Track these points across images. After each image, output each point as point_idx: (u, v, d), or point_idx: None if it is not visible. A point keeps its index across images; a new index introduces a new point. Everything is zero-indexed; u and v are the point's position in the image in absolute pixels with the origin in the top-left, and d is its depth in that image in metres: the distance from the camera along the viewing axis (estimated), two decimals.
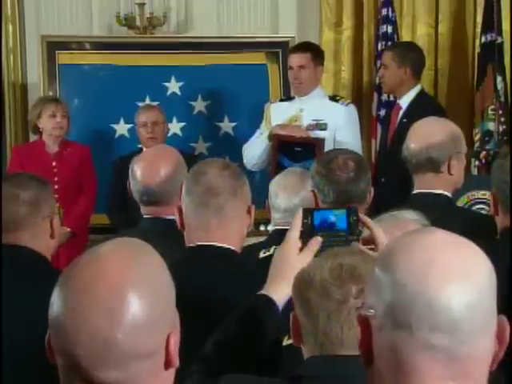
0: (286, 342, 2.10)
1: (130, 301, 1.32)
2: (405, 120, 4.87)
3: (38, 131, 5.31)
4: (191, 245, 2.40)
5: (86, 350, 1.31)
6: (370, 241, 2.03)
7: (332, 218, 2.03)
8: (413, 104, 5.05)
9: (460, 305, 1.24)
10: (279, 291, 2.00)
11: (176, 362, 1.40)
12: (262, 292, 2.02)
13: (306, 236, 2.01)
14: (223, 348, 1.98)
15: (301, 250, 2.01)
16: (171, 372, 1.41)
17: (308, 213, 2.03)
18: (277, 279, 2.02)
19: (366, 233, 2.09)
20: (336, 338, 1.73)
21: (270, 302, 1.99)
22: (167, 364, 1.39)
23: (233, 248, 2.38)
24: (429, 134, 3.10)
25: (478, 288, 1.25)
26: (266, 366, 2.01)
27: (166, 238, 2.40)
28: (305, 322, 1.77)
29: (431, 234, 1.33)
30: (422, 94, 5.16)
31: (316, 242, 2.01)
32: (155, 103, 5.61)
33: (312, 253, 1.99)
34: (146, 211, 2.99)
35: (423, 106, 4.84)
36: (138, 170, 3.00)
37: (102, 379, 1.33)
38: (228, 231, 2.37)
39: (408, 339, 1.25)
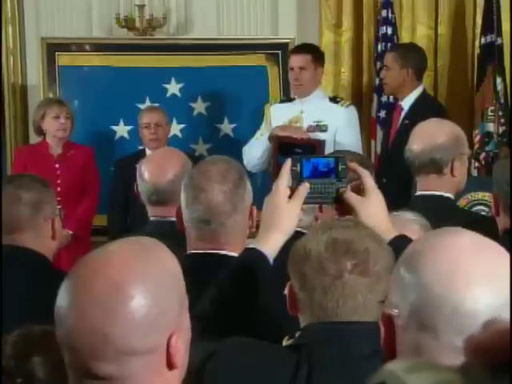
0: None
1: (128, 297, 1.33)
2: (406, 121, 4.87)
3: (41, 133, 5.32)
4: (193, 252, 2.40)
5: (83, 343, 1.33)
6: (359, 188, 2.03)
7: (321, 166, 2.03)
8: (415, 105, 5.04)
9: (486, 308, 1.24)
10: (271, 241, 2.00)
11: (179, 363, 1.40)
12: (253, 245, 2.02)
13: (294, 184, 2.01)
14: (219, 304, 1.99)
15: (290, 197, 2.00)
16: (175, 373, 1.41)
17: (297, 161, 2.03)
18: (268, 229, 2.01)
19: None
20: (332, 311, 1.77)
21: (260, 255, 1.99)
22: (169, 364, 1.39)
23: (232, 254, 2.36)
24: (432, 136, 3.10)
25: (504, 290, 1.25)
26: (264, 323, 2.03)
27: (173, 240, 2.40)
28: (301, 295, 1.81)
29: (457, 235, 1.33)
30: (424, 96, 5.16)
31: (304, 188, 2.00)
32: (156, 105, 5.61)
33: (301, 199, 2.00)
34: (153, 212, 2.98)
35: (425, 108, 4.84)
36: (146, 171, 3.00)
37: (99, 373, 1.34)
38: (230, 241, 2.36)
39: (433, 341, 1.25)
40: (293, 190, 2.01)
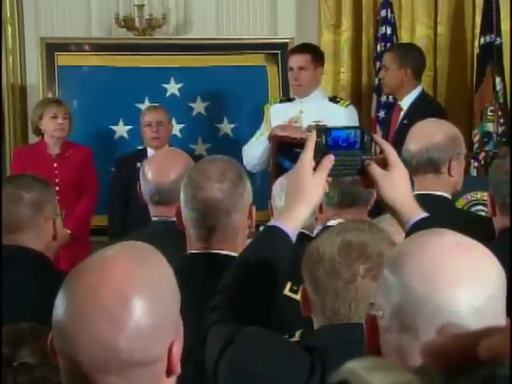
0: None
1: (134, 308, 1.32)
2: (405, 121, 4.86)
3: (39, 133, 5.32)
4: (193, 251, 2.39)
5: (87, 355, 1.31)
6: (383, 161, 1.98)
7: (346, 138, 1.98)
8: (414, 105, 5.05)
9: (468, 308, 1.24)
10: (295, 215, 1.94)
11: (178, 369, 1.40)
12: (275, 221, 1.97)
13: (319, 156, 1.96)
14: (240, 284, 1.94)
15: (314, 169, 1.95)
16: (172, 379, 1.41)
17: (322, 132, 1.98)
18: (292, 202, 1.95)
19: None
20: (344, 315, 1.77)
21: (282, 233, 1.93)
22: (169, 372, 1.39)
23: (233, 254, 2.35)
24: (429, 135, 3.10)
25: (487, 291, 1.25)
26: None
27: (175, 240, 2.41)
28: (314, 298, 1.81)
29: (440, 236, 1.33)
30: (423, 96, 5.16)
31: (329, 160, 1.95)
32: (154, 105, 5.62)
33: (326, 171, 1.94)
34: (156, 212, 2.98)
35: (424, 108, 4.84)
36: (149, 171, 3.00)
37: None
38: (229, 240, 2.36)
39: (414, 342, 1.25)
40: (317, 163, 1.95)
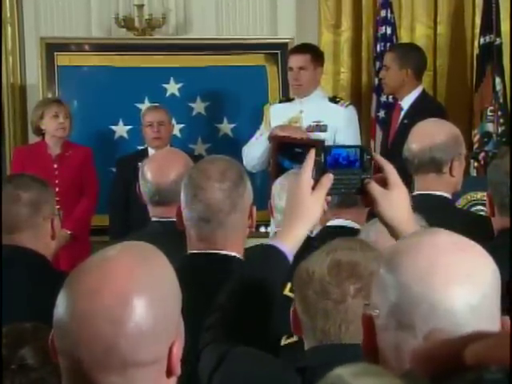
0: (285, 341, 2.11)
1: (135, 308, 1.32)
2: (406, 121, 4.87)
3: (40, 133, 5.33)
4: (193, 251, 2.39)
5: (87, 354, 1.32)
6: (383, 180, 1.96)
7: (346, 156, 1.97)
8: (414, 105, 5.05)
9: (463, 307, 1.24)
10: (294, 234, 1.93)
11: (178, 370, 1.40)
12: (273, 241, 1.96)
13: (318, 174, 1.94)
14: (234, 304, 1.94)
15: (313, 188, 1.93)
16: (173, 380, 1.41)
17: (321, 151, 1.96)
18: (291, 222, 1.94)
19: None
20: (334, 335, 1.74)
21: (279, 254, 1.92)
22: (169, 372, 1.39)
23: (234, 254, 2.36)
24: (431, 135, 3.10)
25: (482, 290, 1.26)
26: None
27: (175, 240, 2.41)
28: (304, 318, 1.79)
29: (436, 235, 1.34)
30: (423, 95, 5.16)
31: (328, 178, 1.93)
32: (155, 105, 5.62)
33: (325, 190, 1.93)
34: (155, 212, 2.98)
35: (424, 107, 4.84)
36: (149, 171, 3.00)
37: (103, 383, 1.33)
38: (229, 240, 2.36)
39: (411, 340, 1.26)
40: (317, 181, 1.94)
